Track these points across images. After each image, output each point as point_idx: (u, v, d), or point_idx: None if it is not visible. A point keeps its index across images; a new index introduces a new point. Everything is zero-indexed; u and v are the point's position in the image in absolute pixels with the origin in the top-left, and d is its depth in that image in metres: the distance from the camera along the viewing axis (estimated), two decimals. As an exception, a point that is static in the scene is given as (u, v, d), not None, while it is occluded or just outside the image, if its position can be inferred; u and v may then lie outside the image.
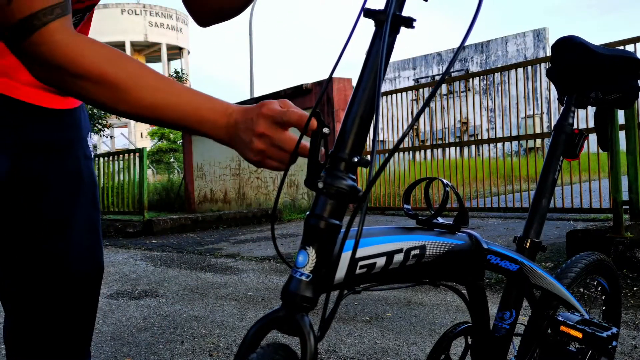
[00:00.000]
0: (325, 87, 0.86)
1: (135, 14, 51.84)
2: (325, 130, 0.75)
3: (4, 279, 1.03)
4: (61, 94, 1.00)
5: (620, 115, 4.03)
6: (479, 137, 13.36)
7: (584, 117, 6.08)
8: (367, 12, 0.77)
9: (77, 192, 1.04)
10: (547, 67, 6.72)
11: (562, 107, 1.33)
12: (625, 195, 3.84)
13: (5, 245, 1.01)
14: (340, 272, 0.78)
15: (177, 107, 0.78)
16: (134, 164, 8.50)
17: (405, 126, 8.69)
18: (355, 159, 0.75)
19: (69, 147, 1.03)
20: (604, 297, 1.48)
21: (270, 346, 0.73)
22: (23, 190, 0.97)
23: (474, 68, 24.10)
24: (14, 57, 0.87)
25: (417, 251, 0.87)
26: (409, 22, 0.77)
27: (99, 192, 1.15)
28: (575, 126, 1.32)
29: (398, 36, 0.78)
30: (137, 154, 8.47)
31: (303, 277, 0.74)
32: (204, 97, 0.80)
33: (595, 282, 1.46)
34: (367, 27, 0.84)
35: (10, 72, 0.91)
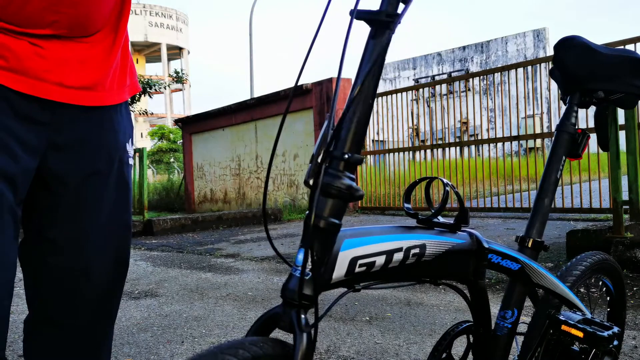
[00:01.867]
0: (295, 83, 0.85)
1: (135, 14, 51.85)
2: (331, 132, 0.75)
3: (27, 276, 1.07)
4: (96, 89, 1.02)
5: (620, 115, 4.03)
6: (479, 137, 13.37)
7: (584, 117, 6.08)
8: (359, 14, 0.77)
9: (101, 192, 1.06)
10: (548, 67, 6.72)
11: (565, 107, 1.33)
12: (625, 195, 3.84)
13: (28, 239, 1.04)
14: (339, 270, 0.78)
15: None
16: (134, 164, 8.49)
17: (405, 126, 8.69)
18: (352, 157, 0.75)
19: (98, 149, 1.05)
20: (608, 297, 1.48)
21: (261, 337, 0.73)
22: (45, 185, 1.00)
23: (474, 68, 24.10)
24: (43, 60, 0.93)
25: (417, 250, 0.87)
26: (396, 18, 0.76)
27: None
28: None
29: (394, 36, 0.78)
30: (137, 154, 8.46)
31: (303, 276, 0.74)
32: None
33: (600, 283, 1.45)
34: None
35: (43, 75, 0.94)
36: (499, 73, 6.85)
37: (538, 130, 9.03)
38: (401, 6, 0.78)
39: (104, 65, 1.03)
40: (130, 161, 1.13)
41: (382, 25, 0.77)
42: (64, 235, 1.03)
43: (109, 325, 1.13)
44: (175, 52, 56.45)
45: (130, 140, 1.13)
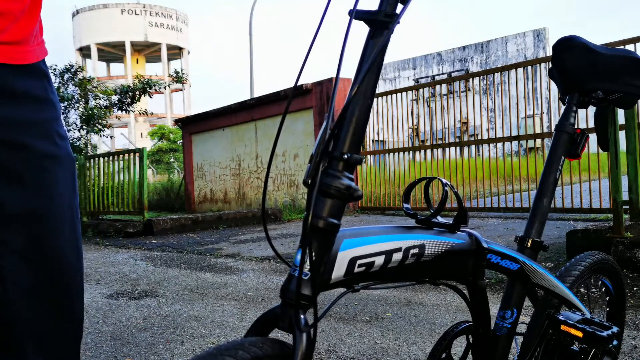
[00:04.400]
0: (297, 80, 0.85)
1: (135, 14, 51.84)
2: (329, 132, 0.75)
3: None
4: (24, 44, 0.86)
5: (620, 115, 4.03)
6: (479, 137, 13.37)
7: (584, 117, 6.08)
8: (358, 14, 0.77)
9: (46, 173, 0.91)
10: (548, 67, 6.72)
11: (564, 107, 1.33)
12: (625, 195, 3.84)
13: None
14: (339, 270, 0.78)
15: None
16: (134, 164, 8.50)
17: (405, 126, 8.70)
18: (351, 157, 0.75)
19: (30, 122, 0.89)
20: (607, 297, 1.48)
21: (261, 338, 0.74)
22: None
23: (474, 68, 24.10)
24: None
25: (416, 250, 0.87)
26: (395, 18, 0.77)
27: (79, 181, 0.94)
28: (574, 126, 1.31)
29: (393, 36, 0.78)
30: (137, 154, 8.47)
31: (302, 276, 0.74)
32: None
33: (600, 283, 1.45)
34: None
35: None
36: (499, 73, 6.85)
37: (538, 130, 9.03)
38: (399, 6, 0.78)
39: (32, 13, 0.87)
40: (66, 134, 0.97)
41: (381, 25, 0.77)
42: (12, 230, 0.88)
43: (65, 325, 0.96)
44: (176, 52, 56.43)
45: (60, 111, 0.98)
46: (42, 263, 0.92)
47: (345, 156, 0.74)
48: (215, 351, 0.67)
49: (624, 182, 3.91)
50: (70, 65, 12.51)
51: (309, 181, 0.73)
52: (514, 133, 6.97)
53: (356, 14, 0.76)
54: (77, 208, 0.98)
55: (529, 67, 6.83)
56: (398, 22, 0.76)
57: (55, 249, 0.93)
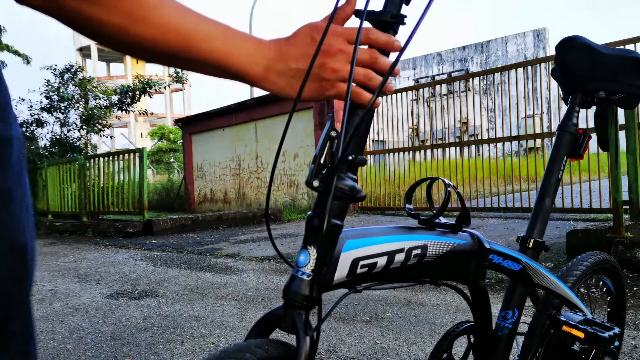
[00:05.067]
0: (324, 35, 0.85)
1: (135, 14, 51.73)
2: (333, 133, 0.75)
3: None
4: None
5: (620, 115, 4.03)
6: (479, 137, 13.37)
7: (584, 117, 6.08)
8: (357, 13, 0.77)
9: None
10: (548, 67, 6.70)
11: (566, 107, 1.32)
12: (625, 195, 3.84)
13: None
14: (341, 271, 0.78)
15: (205, 32, 0.66)
16: (134, 164, 8.49)
17: (405, 126, 8.70)
18: (355, 159, 0.75)
19: None
20: (608, 297, 1.48)
21: (265, 339, 0.74)
22: None
23: (474, 68, 24.10)
24: None
25: (418, 251, 0.87)
26: (400, 19, 0.76)
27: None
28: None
29: (397, 36, 0.78)
30: (137, 154, 8.46)
31: (304, 277, 0.74)
32: (229, 27, 0.69)
33: (601, 283, 1.45)
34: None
35: None
36: (499, 73, 6.85)
37: (538, 130, 9.03)
38: (404, 8, 0.77)
39: None
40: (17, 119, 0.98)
41: (386, 26, 0.76)
42: None
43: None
44: (175, 52, 56.41)
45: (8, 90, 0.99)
46: (10, 250, 0.88)
47: (350, 157, 0.74)
48: (223, 354, 0.67)
49: (624, 182, 3.91)
50: (70, 65, 12.50)
51: (314, 182, 0.73)
52: (514, 133, 6.97)
53: (362, 14, 0.76)
54: (28, 192, 0.94)
55: (529, 67, 6.83)
56: (403, 24, 0.76)
57: (17, 232, 0.90)
